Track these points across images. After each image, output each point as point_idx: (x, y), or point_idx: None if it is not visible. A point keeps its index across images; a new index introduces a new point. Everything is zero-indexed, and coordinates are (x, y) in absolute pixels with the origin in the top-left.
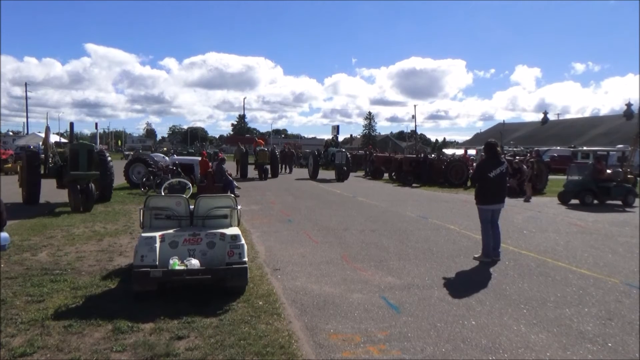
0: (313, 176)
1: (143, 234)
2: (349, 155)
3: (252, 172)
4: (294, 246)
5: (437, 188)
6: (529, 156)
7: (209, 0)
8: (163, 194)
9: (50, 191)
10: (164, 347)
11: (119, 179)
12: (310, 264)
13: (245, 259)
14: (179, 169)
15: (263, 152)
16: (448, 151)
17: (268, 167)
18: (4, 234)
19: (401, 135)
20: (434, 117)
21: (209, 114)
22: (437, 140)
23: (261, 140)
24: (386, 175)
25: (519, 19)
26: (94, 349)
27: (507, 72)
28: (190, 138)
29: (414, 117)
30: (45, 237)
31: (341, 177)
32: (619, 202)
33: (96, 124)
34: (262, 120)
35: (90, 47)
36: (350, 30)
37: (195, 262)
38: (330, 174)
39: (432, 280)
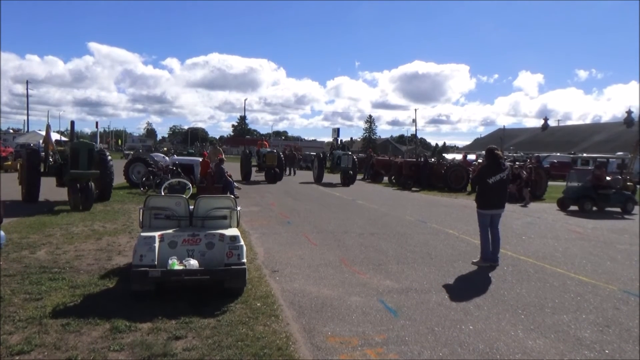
0: (318, 180)
1: (142, 234)
2: (355, 159)
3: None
4: (292, 248)
5: (436, 192)
6: (528, 162)
7: (213, 1)
8: (163, 194)
9: (50, 189)
10: (161, 347)
11: (119, 179)
12: (309, 266)
13: (244, 260)
14: (179, 169)
15: (272, 155)
16: (448, 156)
17: (277, 169)
18: (1, 232)
19: (401, 139)
20: (435, 121)
21: (210, 114)
22: (437, 144)
23: (266, 142)
24: (385, 178)
25: (524, 24)
26: (91, 347)
27: (510, 78)
28: (190, 138)
29: (414, 121)
30: (44, 235)
31: (347, 181)
32: (618, 210)
33: (97, 123)
34: (263, 122)
35: (93, 45)
36: (354, 33)
37: (194, 263)
38: (335, 178)
39: (430, 284)
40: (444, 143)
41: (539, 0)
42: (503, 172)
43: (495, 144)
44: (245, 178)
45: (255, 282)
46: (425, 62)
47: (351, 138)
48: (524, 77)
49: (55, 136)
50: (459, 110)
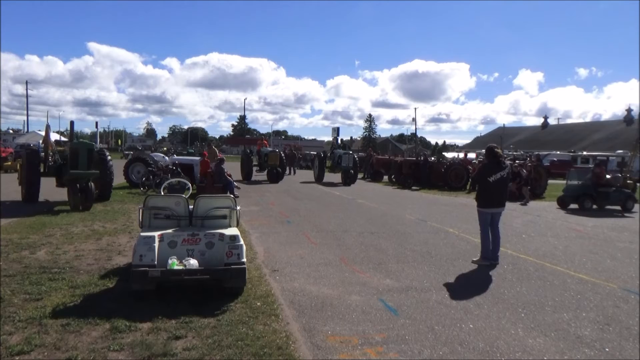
0: (318, 179)
1: (142, 234)
2: (356, 158)
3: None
4: (292, 247)
5: (436, 191)
6: (528, 160)
7: (213, 1)
8: (162, 193)
9: (50, 190)
10: (161, 347)
11: (119, 179)
12: (309, 265)
13: (244, 259)
14: (179, 169)
15: (274, 154)
16: (448, 154)
17: (279, 169)
18: None
19: (401, 137)
20: (435, 120)
21: (210, 114)
22: (437, 143)
23: (265, 142)
24: (385, 177)
25: (525, 23)
26: (91, 347)
27: (510, 77)
28: (190, 138)
29: (414, 119)
30: (44, 236)
31: (348, 180)
32: (618, 208)
33: (96, 123)
34: (262, 122)
35: (93, 45)
36: (354, 32)
37: (193, 262)
38: (336, 177)
39: (430, 283)
40: (444, 142)
41: (539, 0)
42: (503, 171)
43: (495, 143)
44: (247, 178)
45: (255, 282)
46: (425, 61)
47: (351, 137)
48: (524, 76)
49: (54, 136)
50: (459, 109)
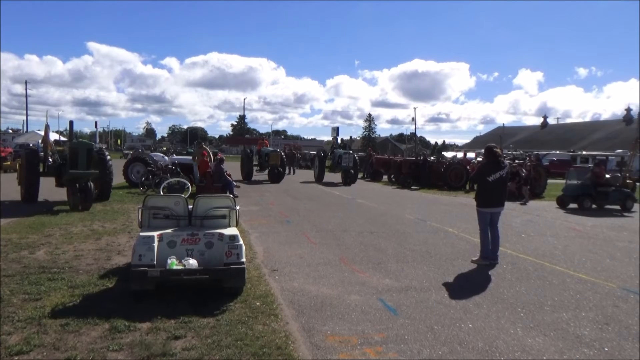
0: (318, 179)
1: (141, 233)
2: (356, 158)
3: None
4: (292, 247)
5: (436, 191)
6: (527, 160)
7: (213, 1)
8: (162, 193)
9: (49, 189)
10: (160, 347)
11: (118, 178)
12: (308, 265)
13: (243, 259)
14: (178, 169)
15: (275, 154)
16: (448, 154)
17: (280, 169)
18: None
19: (401, 137)
20: (435, 119)
21: (210, 114)
22: (436, 142)
23: (266, 142)
24: (385, 177)
25: (525, 22)
26: (90, 347)
27: (509, 76)
28: (190, 138)
29: (414, 119)
30: (43, 236)
31: (348, 180)
32: (618, 207)
33: (96, 123)
34: (262, 121)
35: (92, 45)
36: (354, 32)
37: (193, 262)
38: (336, 177)
39: (429, 282)
40: (444, 141)
41: (539, 0)
42: (502, 170)
43: (495, 142)
44: (247, 178)
45: (254, 281)
46: (425, 61)
47: (350, 137)
48: (523, 75)
49: (54, 136)
50: (459, 109)
